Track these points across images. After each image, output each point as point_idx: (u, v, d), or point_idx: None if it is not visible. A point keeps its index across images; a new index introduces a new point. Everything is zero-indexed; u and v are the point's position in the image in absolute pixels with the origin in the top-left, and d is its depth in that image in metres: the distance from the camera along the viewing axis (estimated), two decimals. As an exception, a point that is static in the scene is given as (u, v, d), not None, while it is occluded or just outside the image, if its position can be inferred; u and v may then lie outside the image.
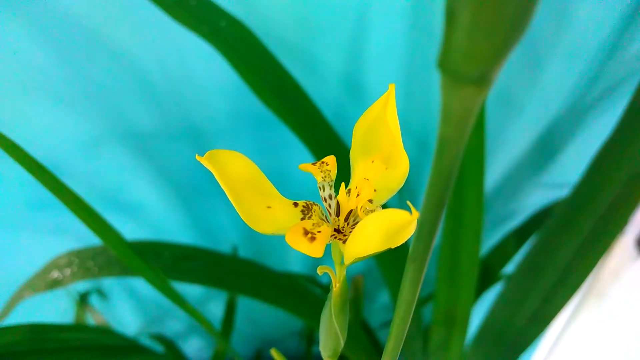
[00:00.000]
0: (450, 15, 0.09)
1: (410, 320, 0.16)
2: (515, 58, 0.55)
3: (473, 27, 0.08)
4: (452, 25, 0.09)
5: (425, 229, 0.13)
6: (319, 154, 0.45)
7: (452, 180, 0.11)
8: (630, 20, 0.53)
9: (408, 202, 0.17)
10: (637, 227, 0.62)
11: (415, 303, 0.15)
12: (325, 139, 0.46)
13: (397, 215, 0.16)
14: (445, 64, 0.09)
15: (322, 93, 0.53)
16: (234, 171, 0.19)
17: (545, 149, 0.67)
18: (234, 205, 0.18)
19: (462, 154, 0.11)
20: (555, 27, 0.53)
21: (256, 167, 0.20)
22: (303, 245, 0.17)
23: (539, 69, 0.57)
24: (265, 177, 0.20)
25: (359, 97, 0.57)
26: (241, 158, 0.20)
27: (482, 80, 0.09)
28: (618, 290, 0.64)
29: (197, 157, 0.19)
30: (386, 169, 0.21)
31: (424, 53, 0.53)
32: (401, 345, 0.17)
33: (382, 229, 0.17)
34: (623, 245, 0.63)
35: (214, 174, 0.18)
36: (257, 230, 0.19)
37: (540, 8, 0.48)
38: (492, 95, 0.57)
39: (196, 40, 0.41)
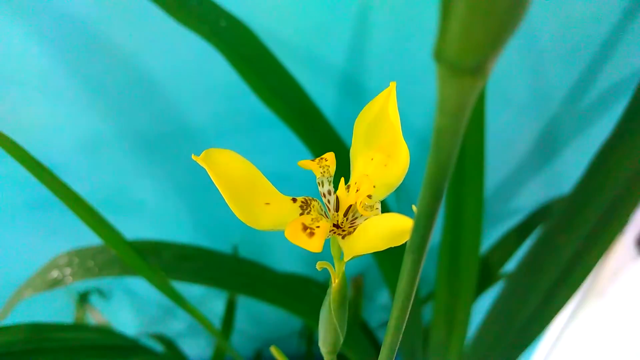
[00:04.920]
0: (446, 5, 0.09)
1: (408, 313, 0.16)
2: (515, 58, 0.55)
3: (468, 17, 0.08)
4: (447, 15, 0.09)
5: (422, 220, 0.13)
6: (319, 154, 0.45)
7: (449, 171, 0.12)
8: (630, 20, 0.53)
9: (413, 207, 0.17)
10: (637, 227, 0.62)
11: (413, 295, 0.15)
12: (325, 138, 0.46)
13: (399, 221, 0.16)
14: (440, 54, 0.10)
15: (322, 93, 0.53)
16: (230, 170, 0.19)
17: (546, 148, 0.67)
18: (228, 203, 0.18)
19: (459, 145, 0.11)
20: (555, 27, 0.53)
21: (252, 165, 0.20)
22: (302, 240, 0.17)
23: (539, 69, 0.57)
24: (262, 174, 0.20)
25: (359, 97, 0.57)
26: (237, 157, 0.20)
27: (478, 70, 0.09)
28: (618, 290, 0.64)
29: (193, 157, 0.19)
30: (386, 165, 0.21)
31: (424, 53, 0.53)
32: (399, 339, 0.17)
33: (383, 234, 0.17)
34: (623, 245, 0.63)
35: (209, 173, 0.18)
36: (255, 228, 0.19)
37: (540, 8, 0.48)
38: (493, 94, 0.57)
39: (196, 40, 0.41)
